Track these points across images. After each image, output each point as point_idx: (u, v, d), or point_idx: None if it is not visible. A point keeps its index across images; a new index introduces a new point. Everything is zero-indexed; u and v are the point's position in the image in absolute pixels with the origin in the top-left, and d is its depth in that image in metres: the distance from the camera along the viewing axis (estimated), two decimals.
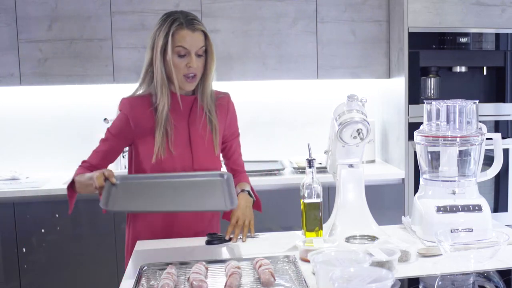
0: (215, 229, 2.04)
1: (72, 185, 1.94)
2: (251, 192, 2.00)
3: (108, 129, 1.99)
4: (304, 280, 1.41)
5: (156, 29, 1.91)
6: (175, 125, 1.93)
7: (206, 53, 1.93)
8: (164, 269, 1.52)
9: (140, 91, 1.98)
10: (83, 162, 1.98)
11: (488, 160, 1.99)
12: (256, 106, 3.63)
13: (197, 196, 1.74)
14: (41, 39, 3.17)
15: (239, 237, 1.88)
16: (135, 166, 1.99)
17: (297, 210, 1.85)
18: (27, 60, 3.17)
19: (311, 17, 3.36)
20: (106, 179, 1.75)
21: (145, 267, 1.55)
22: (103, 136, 1.99)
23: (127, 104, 1.96)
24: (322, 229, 1.81)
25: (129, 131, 1.94)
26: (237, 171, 2.10)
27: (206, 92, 1.97)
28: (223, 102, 2.04)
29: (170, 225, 1.96)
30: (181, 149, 1.94)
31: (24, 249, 2.97)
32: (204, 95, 1.97)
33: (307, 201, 1.79)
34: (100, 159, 1.96)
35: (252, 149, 3.57)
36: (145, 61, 1.95)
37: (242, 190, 1.98)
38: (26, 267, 2.98)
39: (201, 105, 1.97)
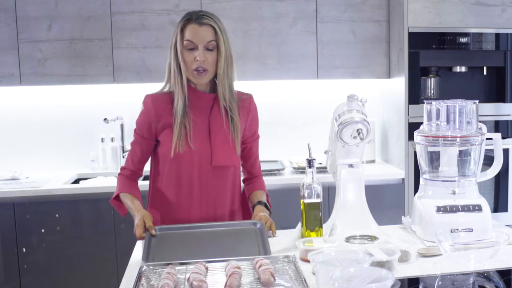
0: None
1: (117, 196, 2.03)
2: (267, 204, 2.04)
3: (135, 130, 2.02)
4: (304, 280, 1.41)
5: (174, 31, 1.98)
6: (195, 121, 1.95)
7: (217, 49, 1.95)
8: (164, 269, 1.52)
9: (165, 90, 2.02)
10: (122, 169, 2.04)
11: (488, 160, 1.99)
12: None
13: (233, 245, 1.76)
14: (41, 39, 3.17)
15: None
16: (155, 164, 2.03)
17: (297, 210, 1.85)
18: (27, 60, 3.17)
19: (311, 17, 3.36)
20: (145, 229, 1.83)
21: (145, 267, 1.55)
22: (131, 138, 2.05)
23: (150, 100, 1.99)
24: (322, 229, 1.80)
25: (152, 127, 1.97)
26: (253, 175, 2.13)
27: (223, 89, 1.97)
28: (245, 103, 2.06)
29: (188, 221, 1.98)
30: (200, 145, 1.95)
31: (24, 249, 2.97)
32: (221, 91, 1.97)
33: (307, 201, 1.79)
34: (136, 164, 2.02)
35: None
36: (167, 63, 2.00)
37: (259, 202, 2.01)
38: (26, 267, 2.98)
39: (222, 103, 1.98)
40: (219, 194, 2.00)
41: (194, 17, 1.93)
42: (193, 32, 1.91)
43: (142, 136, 1.99)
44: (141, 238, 1.81)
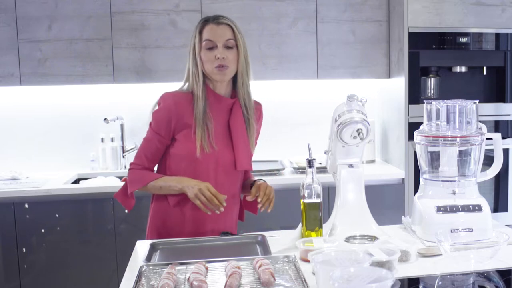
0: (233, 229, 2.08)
1: (125, 189, 2.02)
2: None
3: (150, 125, 2.00)
4: (304, 280, 1.41)
5: (192, 35, 2.01)
6: (217, 123, 1.97)
7: (237, 48, 1.98)
8: (164, 269, 1.52)
9: (184, 89, 2.03)
10: (134, 164, 2.01)
11: (488, 160, 1.99)
12: None
13: (235, 252, 1.77)
14: (41, 39, 3.17)
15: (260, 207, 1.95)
16: (165, 165, 2.01)
17: (297, 210, 1.85)
18: (27, 60, 3.17)
19: (311, 17, 3.36)
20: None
21: (145, 267, 1.55)
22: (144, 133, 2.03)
23: (171, 98, 1.98)
24: (322, 229, 1.80)
25: (171, 125, 1.96)
26: (246, 173, 2.17)
27: (244, 88, 2.02)
28: (257, 111, 2.11)
29: (200, 225, 2.00)
30: (223, 148, 1.97)
31: (24, 249, 2.97)
32: (241, 91, 2.01)
33: (307, 201, 1.79)
34: (150, 161, 2.01)
35: None
36: (186, 65, 2.03)
37: (259, 180, 2.06)
38: (26, 267, 2.98)
39: (242, 104, 2.02)
40: (230, 196, 2.00)
41: (211, 19, 1.98)
42: (211, 31, 1.95)
43: (159, 133, 1.97)
44: (217, 208, 1.86)
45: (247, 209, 2.13)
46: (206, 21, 1.98)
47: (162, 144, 1.99)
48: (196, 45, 1.97)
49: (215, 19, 1.98)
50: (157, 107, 2.00)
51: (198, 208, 1.90)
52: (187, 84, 2.02)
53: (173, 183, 1.93)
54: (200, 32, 1.97)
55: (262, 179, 2.05)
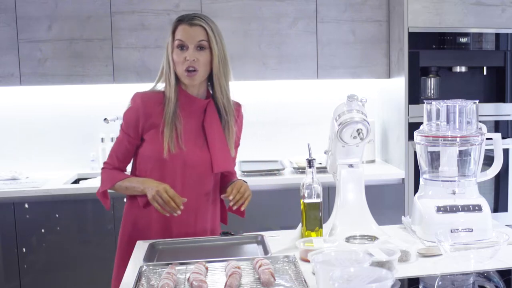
0: (217, 230, 2.06)
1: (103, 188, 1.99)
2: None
3: (121, 126, 1.99)
4: (304, 280, 1.41)
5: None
6: (186, 124, 1.93)
7: (210, 50, 1.94)
8: (164, 269, 1.52)
9: (156, 89, 2.01)
10: (106, 163, 2.01)
11: (488, 160, 1.99)
12: (256, 106, 3.63)
13: (234, 251, 1.78)
14: (41, 39, 3.17)
15: (234, 205, 1.90)
16: (136, 165, 2.00)
17: (297, 210, 1.85)
18: (27, 60, 3.17)
19: (311, 17, 3.36)
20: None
21: (145, 267, 1.55)
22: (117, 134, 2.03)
23: (139, 98, 1.96)
24: (322, 229, 1.80)
25: (139, 125, 1.94)
26: (230, 174, 2.12)
27: (220, 89, 1.98)
28: (238, 109, 2.07)
29: (167, 226, 1.96)
30: (194, 149, 1.94)
31: (24, 249, 2.97)
32: (218, 92, 1.97)
33: (307, 201, 1.79)
34: (121, 161, 1.99)
35: (252, 149, 3.57)
36: (161, 64, 2.00)
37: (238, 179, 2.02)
38: (26, 267, 2.98)
39: (220, 105, 1.98)
40: (202, 198, 1.97)
41: (186, 18, 1.93)
42: (183, 32, 1.91)
43: (128, 133, 1.95)
44: (173, 210, 1.82)
45: (233, 212, 2.06)
46: (180, 21, 1.94)
47: (132, 145, 1.97)
48: (169, 44, 1.94)
49: (189, 20, 1.93)
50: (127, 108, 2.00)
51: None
52: (159, 83, 2.00)
53: (136, 184, 1.91)
54: (173, 32, 1.93)
55: (242, 179, 2.02)
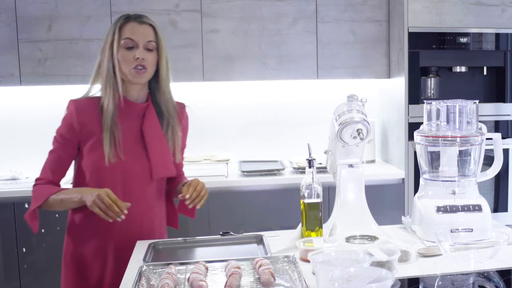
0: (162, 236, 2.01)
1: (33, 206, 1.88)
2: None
3: (54, 137, 1.91)
4: (304, 280, 1.41)
5: (108, 31, 1.89)
6: (125, 131, 1.85)
7: (157, 51, 1.88)
8: (164, 269, 1.52)
9: (90, 95, 1.92)
10: (38, 179, 1.91)
11: (488, 160, 1.99)
12: (256, 106, 3.63)
13: (234, 251, 1.77)
14: (41, 39, 3.17)
15: (189, 202, 1.84)
16: (78, 176, 1.91)
17: (297, 210, 1.85)
18: (27, 60, 3.17)
19: (311, 17, 3.36)
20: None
21: (145, 267, 1.55)
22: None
23: (72, 105, 1.89)
24: (322, 229, 1.80)
25: (75, 135, 1.86)
26: (179, 176, 2.07)
27: (164, 94, 1.91)
28: (182, 110, 2.00)
29: (110, 236, 1.90)
30: (134, 156, 1.86)
31: (24, 249, 2.97)
32: (161, 95, 1.90)
33: (307, 201, 1.79)
34: (55, 174, 1.90)
35: (252, 149, 3.58)
36: (95, 65, 1.91)
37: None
38: (26, 267, 2.98)
39: (164, 108, 1.91)
40: (144, 207, 1.91)
41: (133, 16, 1.88)
42: (133, 30, 1.84)
43: (62, 142, 1.87)
44: (117, 215, 1.73)
45: (183, 213, 2.03)
46: (127, 18, 1.87)
47: (67, 155, 1.89)
48: (114, 42, 1.83)
49: (138, 18, 1.87)
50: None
51: (103, 219, 1.78)
52: (95, 86, 1.90)
53: (73, 194, 1.81)
54: (120, 29, 1.84)
55: (197, 179, 1.93)
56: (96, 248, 1.91)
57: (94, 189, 1.79)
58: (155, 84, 1.92)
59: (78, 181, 1.92)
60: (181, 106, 2.02)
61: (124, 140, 1.85)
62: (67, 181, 2.24)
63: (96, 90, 1.92)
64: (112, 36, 1.85)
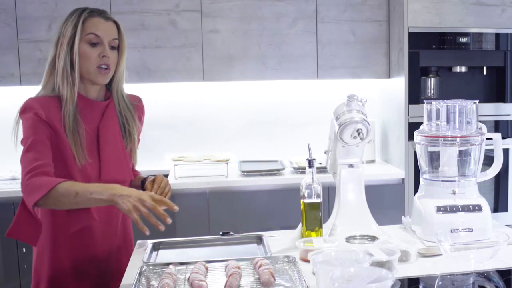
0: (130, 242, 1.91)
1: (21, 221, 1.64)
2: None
3: (22, 141, 1.70)
4: (304, 280, 1.41)
5: (62, 23, 1.74)
6: (87, 131, 1.72)
7: (118, 49, 1.77)
8: (164, 269, 1.52)
9: (46, 94, 1.76)
10: (31, 171, 1.60)
11: (488, 160, 1.99)
12: (256, 106, 3.64)
13: (234, 251, 1.77)
14: (41, 39, 3.17)
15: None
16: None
17: (297, 210, 1.85)
18: (27, 60, 3.17)
19: (311, 17, 3.36)
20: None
21: (145, 267, 1.55)
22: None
23: (36, 103, 1.71)
24: (322, 229, 1.81)
25: (46, 129, 1.67)
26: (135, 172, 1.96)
27: (120, 93, 1.82)
28: (139, 107, 1.90)
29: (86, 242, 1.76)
30: (90, 157, 1.71)
31: (24, 249, 2.97)
32: (116, 96, 1.81)
33: (307, 201, 1.79)
34: (47, 158, 1.65)
35: (252, 149, 3.58)
36: (48, 60, 1.75)
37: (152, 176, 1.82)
38: (26, 267, 2.98)
39: (118, 110, 1.81)
40: (110, 212, 1.77)
41: (97, 11, 1.74)
42: (99, 25, 1.71)
43: (40, 136, 1.65)
44: (163, 218, 1.49)
45: None
46: (91, 13, 1.72)
47: (46, 138, 1.66)
48: (76, 36, 1.68)
49: (102, 13, 1.74)
50: (21, 120, 1.73)
51: (83, 229, 1.67)
52: (47, 88, 1.76)
53: (98, 190, 1.54)
54: (82, 24, 1.69)
55: (161, 175, 1.82)
56: (76, 266, 1.74)
57: (129, 189, 1.56)
58: (111, 84, 1.82)
59: None
60: (137, 101, 1.91)
61: (87, 139, 1.71)
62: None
63: (47, 90, 1.78)
64: (73, 29, 1.69)
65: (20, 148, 1.73)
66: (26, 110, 1.72)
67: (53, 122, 1.67)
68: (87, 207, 1.63)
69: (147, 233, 1.48)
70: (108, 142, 1.76)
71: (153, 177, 1.83)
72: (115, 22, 1.78)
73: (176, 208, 1.54)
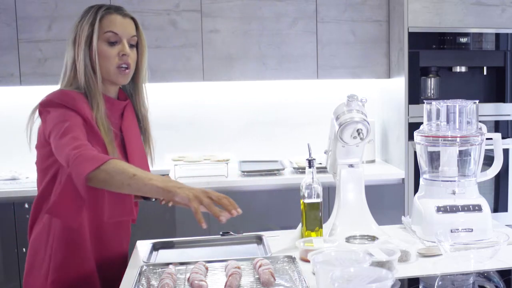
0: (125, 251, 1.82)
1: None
2: None
3: (53, 130, 1.55)
4: (304, 280, 1.41)
5: (78, 21, 1.66)
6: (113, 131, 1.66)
7: (137, 47, 1.70)
8: (164, 269, 1.52)
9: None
10: (80, 144, 1.48)
11: (488, 160, 1.99)
12: (256, 106, 3.63)
13: (234, 251, 1.77)
14: (41, 39, 3.17)
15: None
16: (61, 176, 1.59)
17: (297, 210, 1.85)
18: (27, 60, 3.17)
19: (311, 17, 3.36)
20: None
21: (145, 267, 1.55)
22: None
23: (65, 96, 1.58)
24: (322, 229, 1.81)
25: (79, 119, 1.56)
26: None
27: (141, 95, 1.76)
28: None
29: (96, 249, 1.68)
30: (120, 156, 1.66)
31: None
32: (138, 98, 1.75)
33: (307, 201, 1.79)
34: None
35: (252, 149, 3.58)
36: (68, 61, 1.69)
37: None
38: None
39: (138, 112, 1.77)
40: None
41: (113, 8, 1.67)
42: (116, 23, 1.64)
43: (76, 122, 1.53)
44: (232, 207, 1.40)
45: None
46: (108, 9, 1.64)
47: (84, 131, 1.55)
48: (94, 35, 1.61)
49: (119, 9, 1.67)
50: (45, 113, 1.58)
51: (100, 231, 1.61)
52: (73, 87, 1.64)
53: (156, 177, 1.44)
54: (100, 20, 1.62)
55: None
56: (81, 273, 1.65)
57: (181, 183, 1.47)
58: (132, 82, 1.75)
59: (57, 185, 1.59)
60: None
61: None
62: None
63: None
64: (90, 28, 1.62)
65: (34, 142, 1.67)
66: (52, 102, 1.58)
67: (86, 115, 1.57)
68: (135, 193, 1.49)
69: (204, 226, 1.39)
70: (132, 141, 1.72)
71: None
72: (133, 19, 1.71)
73: (240, 210, 1.41)
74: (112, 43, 1.64)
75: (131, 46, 1.67)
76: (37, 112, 1.63)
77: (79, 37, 1.63)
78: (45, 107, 1.60)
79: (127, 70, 1.66)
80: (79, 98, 1.59)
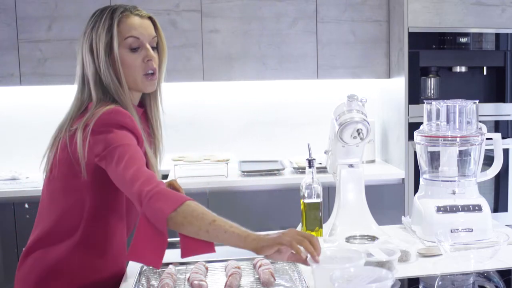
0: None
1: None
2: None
3: (111, 151, 1.39)
4: (304, 280, 1.41)
5: (91, 27, 1.50)
6: None
7: (157, 48, 1.56)
8: (164, 269, 1.52)
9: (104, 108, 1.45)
10: (154, 182, 1.35)
11: (488, 160, 1.99)
12: (256, 106, 3.63)
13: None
14: (41, 39, 3.17)
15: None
16: (96, 195, 1.50)
17: (297, 210, 1.85)
18: (27, 60, 3.17)
19: (311, 17, 3.36)
20: None
21: (145, 267, 1.55)
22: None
23: (129, 116, 1.46)
24: (322, 229, 1.81)
25: (135, 140, 1.46)
26: None
27: (158, 101, 1.62)
28: None
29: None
30: None
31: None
32: (155, 104, 1.62)
33: (307, 201, 1.79)
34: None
35: (252, 149, 3.58)
36: (86, 71, 1.50)
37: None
38: None
39: (151, 119, 1.62)
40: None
41: (129, 9, 1.50)
42: (136, 26, 1.48)
43: (136, 147, 1.43)
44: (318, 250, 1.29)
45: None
46: (125, 11, 1.48)
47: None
48: (113, 44, 1.45)
49: (136, 10, 1.51)
50: (101, 134, 1.41)
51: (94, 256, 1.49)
52: (105, 102, 1.47)
53: (235, 225, 1.33)
54: (118, 25, 1.46)
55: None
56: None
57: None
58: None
59: (90, 201, 1.52)
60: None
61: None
62: None
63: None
64: (107, 34, 1.46)
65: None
66: (123, 123, 1.43)
67: (140, 135, 1.47)
68: (213, 240, 1.33)
69: (304, 256, 1.29)
70: (151, 155, 1.55)
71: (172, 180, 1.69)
72: (151, 18, 1.55)
73: (318, 260, 1.29)
74: (134, 49, 1.49)
75: (153, 48, 1.54)
76: (78, 133, 1.49)
77: (96, 45, 1.47)
78: (104, 127, 1.43)
79: (154, 76, 1.52)
80: (126, 115, 1.45)
